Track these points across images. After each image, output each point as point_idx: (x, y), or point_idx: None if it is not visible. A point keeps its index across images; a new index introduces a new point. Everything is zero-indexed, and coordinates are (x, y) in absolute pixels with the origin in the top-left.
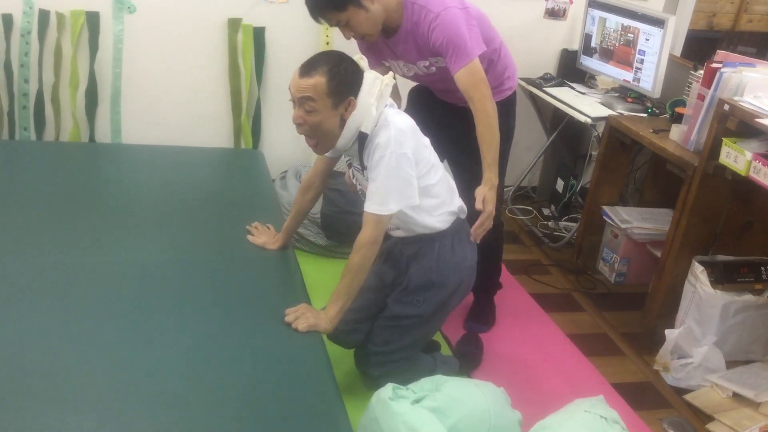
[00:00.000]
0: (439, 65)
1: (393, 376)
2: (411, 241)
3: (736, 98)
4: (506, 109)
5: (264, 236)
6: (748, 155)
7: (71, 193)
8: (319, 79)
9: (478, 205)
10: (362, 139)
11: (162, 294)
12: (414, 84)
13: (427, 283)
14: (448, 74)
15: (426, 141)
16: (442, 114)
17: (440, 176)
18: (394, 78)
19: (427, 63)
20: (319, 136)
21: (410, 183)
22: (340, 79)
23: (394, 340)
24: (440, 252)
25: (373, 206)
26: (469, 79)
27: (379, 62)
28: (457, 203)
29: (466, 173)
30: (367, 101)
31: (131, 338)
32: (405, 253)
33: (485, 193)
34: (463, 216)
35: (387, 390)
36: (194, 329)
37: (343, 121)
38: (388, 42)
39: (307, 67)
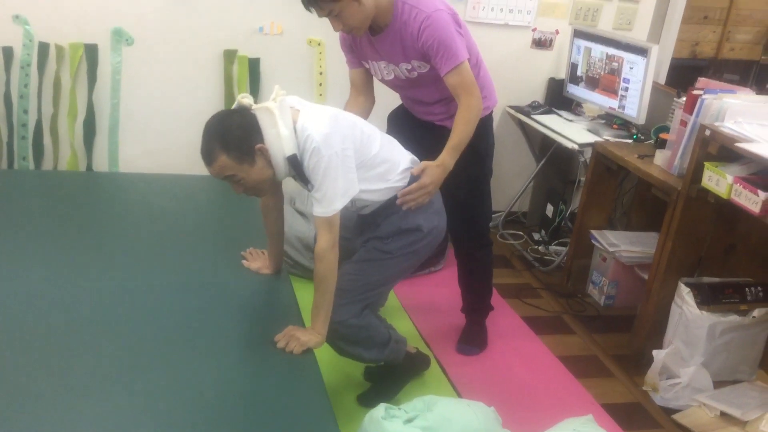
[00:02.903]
0: (421, 71)
1: (350, 329)
2: (381, 209)
3: (717, 124)
4: (485, 129)
5: (258, 261)
6: (729, 179)
7: (69, 222)
8: (220, 160)
9: (416, 171)
10: (293, 161)
11: (158, 319)
12: (392, 109)
13: (396, 230)
14: (426, 82)
15: (352, 117)
16: (421, 137)
17: (380, 142)
18: (282, 90)
19: (409, 66)
20: (263, 185)
21: (348, 177)
22: (236, 144)
23: (360, 277)
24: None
25: (321, 210)
26: (459, 79)
27: (359, 63)
28: (407, 157)
29: (452, 196)
30: (273, 133)
31: (128, 361)
32: (376, 220)
33: (429, 165)
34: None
35: (379, 410)
36: (189, 353)
37: (269, 162)
38: (373, 40)
39: (205, 155)
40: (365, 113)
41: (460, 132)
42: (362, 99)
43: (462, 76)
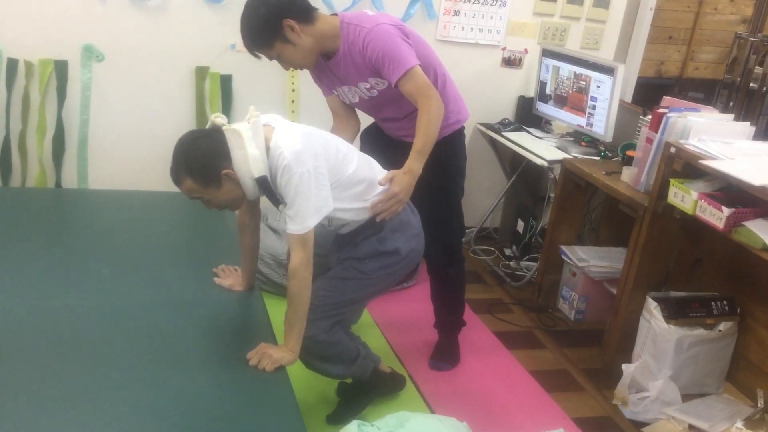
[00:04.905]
0: (379, 88)
1: (318, 345)
2: (361, 229)
3: (682, 141)
4: (454, 146)
5: (231, 278)
6: (694, 195)
7: (37, 239)
8: (187, 183)
9: (383, 181)
10: (262, 182)
11: (128, 337)
12: (365, 126)
13: (374, 252)
14: (390, 98)
15: (327, 135)
16: (393, 154)
17: (357, 160)
18: (256, 112)
19: (368, 85)
20: (234, 204)
21: (321, 195)
22: (200, 170)
23: (334, 294)
24: (385, 226)
25: (294, 227)
26: (412, 84)
27: (330, 91)
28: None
29: (424, 214)
30: (241, 155)
31: (97, 379)
32: (355, 239)
33: (396, 174)
34: None
35: (352, 427)
36: (160, 371)
37: (238, 183)
38: (330, 65)
39: (173, 179)
40: (351, 136)
41: (423, 135)
42: (344, 123)
43: (414, 80)
